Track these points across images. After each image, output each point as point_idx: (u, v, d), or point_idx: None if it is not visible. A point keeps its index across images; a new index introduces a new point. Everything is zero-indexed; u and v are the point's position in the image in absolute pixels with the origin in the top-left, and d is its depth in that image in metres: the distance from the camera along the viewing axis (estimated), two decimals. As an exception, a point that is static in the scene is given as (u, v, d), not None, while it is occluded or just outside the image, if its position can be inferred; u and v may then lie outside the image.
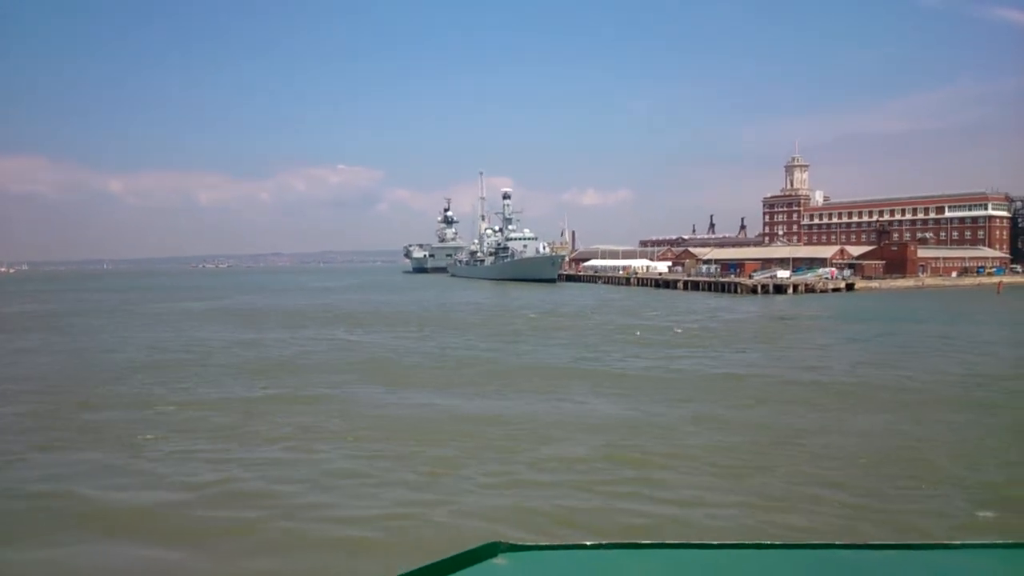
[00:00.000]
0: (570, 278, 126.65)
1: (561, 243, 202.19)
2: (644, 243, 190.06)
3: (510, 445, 15.11)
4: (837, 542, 2.03)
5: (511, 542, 1.91)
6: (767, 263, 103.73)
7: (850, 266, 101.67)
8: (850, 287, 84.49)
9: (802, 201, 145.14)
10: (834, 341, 35.01)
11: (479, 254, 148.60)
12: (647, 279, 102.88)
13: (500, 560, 1.84)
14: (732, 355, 29.50)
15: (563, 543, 2.00)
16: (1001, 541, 2.01)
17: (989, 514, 11.08)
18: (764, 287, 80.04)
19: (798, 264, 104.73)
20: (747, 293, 79.04)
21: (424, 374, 24.91)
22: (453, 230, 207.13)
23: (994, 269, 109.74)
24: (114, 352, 32.13)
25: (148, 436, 16.12)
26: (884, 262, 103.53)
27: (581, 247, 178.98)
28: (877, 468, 13.37)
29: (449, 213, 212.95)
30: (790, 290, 79.17)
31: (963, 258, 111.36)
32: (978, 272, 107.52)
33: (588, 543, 1.97)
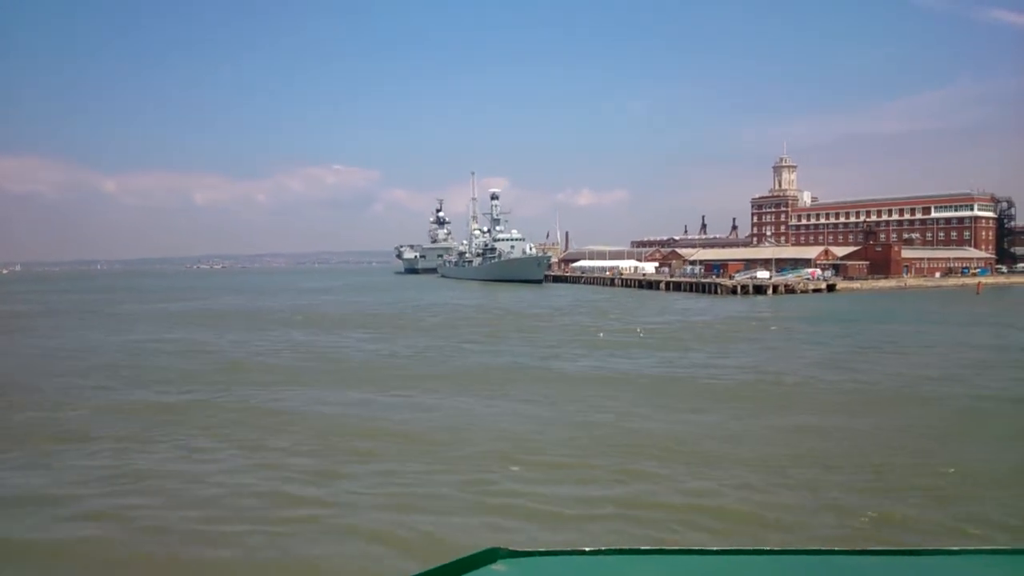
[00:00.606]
0: (557, 279, 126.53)
1: (552, 244, 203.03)
2: (636, 244, 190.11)
3: (399, 452, 14.86)
4: (835, 548, 2.02)
5: (510, 548, 1.90)
6: (752, 264, 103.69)
7: (834, 267, 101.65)
8: (831, 288, 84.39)
9: (790, 202, 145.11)
10: (789, 343, 34.76)
11: (467, 255, 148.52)
12: (631, 280, 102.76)
13: (499, 566, 1.83)
14: (679, 356, 29.27)
15: (562, 549, 1.99)
16: (998, 547, 2.00)
17: (842, 525, 10.89)
18: (744, 288, 79.89)
19: (783, 265, 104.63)
20: (727, 294, 78.90)
21: (357, 377, 24.61)
22: (445, 231, 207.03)
23: (978, 270, 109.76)
24: (63, 353, 31.89)
25: (46, 441, 15.89)
26: (868, 263, 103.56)
27: (576, 247, 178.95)
28: (753, 474, 13.07)
29: (441, 214, 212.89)
30: (770, 291, 79.02)
31: (948, 259, 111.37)
32: (962, 273, 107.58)
33: (587, 549, 1.97)
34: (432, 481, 13.08)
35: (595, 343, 34.39)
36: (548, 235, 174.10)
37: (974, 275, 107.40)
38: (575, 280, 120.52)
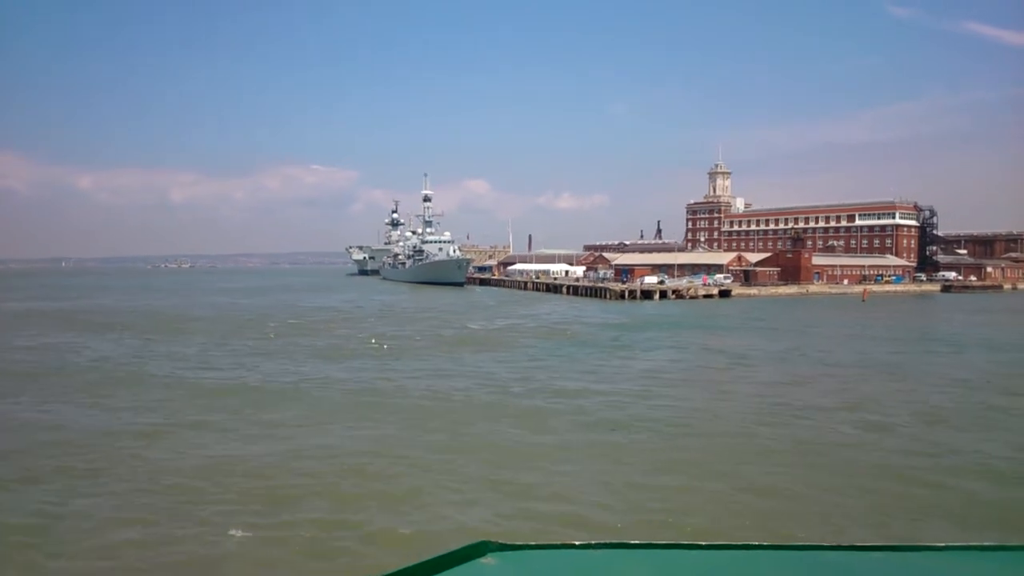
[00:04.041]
0: (483, 282, 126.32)
1: (503, 248, 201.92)
2: (587, 247, 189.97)
3: None
4: (825, 543, 2.02)
5: (500, 541, 1.89)
6: (668, 269, 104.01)
7: (745, 273, 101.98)
8: (725, 294, 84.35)
9: (723, 208, 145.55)
10: (555, 349, 34.24)
11: (401, 256, 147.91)
12: (541, 284, 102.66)
13: (488, 560, 1.82)
14: (401, 365, 28.87)
15: (552, 542, 1.99)
16: (989, 544, 1.99)
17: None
18: (631, 292, 79.79)
19: (698, 270, 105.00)
20: (615, 299, 78.72)
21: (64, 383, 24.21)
22: (398, 232, 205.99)
23: (893, 278, 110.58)
24: None
25: None
26: (779, 269, 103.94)
27: (547, 251, 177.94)
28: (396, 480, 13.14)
29: (395, 215, 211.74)
30: (657, 296, 78.96)
31: (862, 266, 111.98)
32: (876, 280, 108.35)
33: (577, 543, 1.96)
34: None
35: (334, 350, 33.92)
36: (469, 236, 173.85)
37: (888, 282, 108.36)
38: (499, 284, 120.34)
